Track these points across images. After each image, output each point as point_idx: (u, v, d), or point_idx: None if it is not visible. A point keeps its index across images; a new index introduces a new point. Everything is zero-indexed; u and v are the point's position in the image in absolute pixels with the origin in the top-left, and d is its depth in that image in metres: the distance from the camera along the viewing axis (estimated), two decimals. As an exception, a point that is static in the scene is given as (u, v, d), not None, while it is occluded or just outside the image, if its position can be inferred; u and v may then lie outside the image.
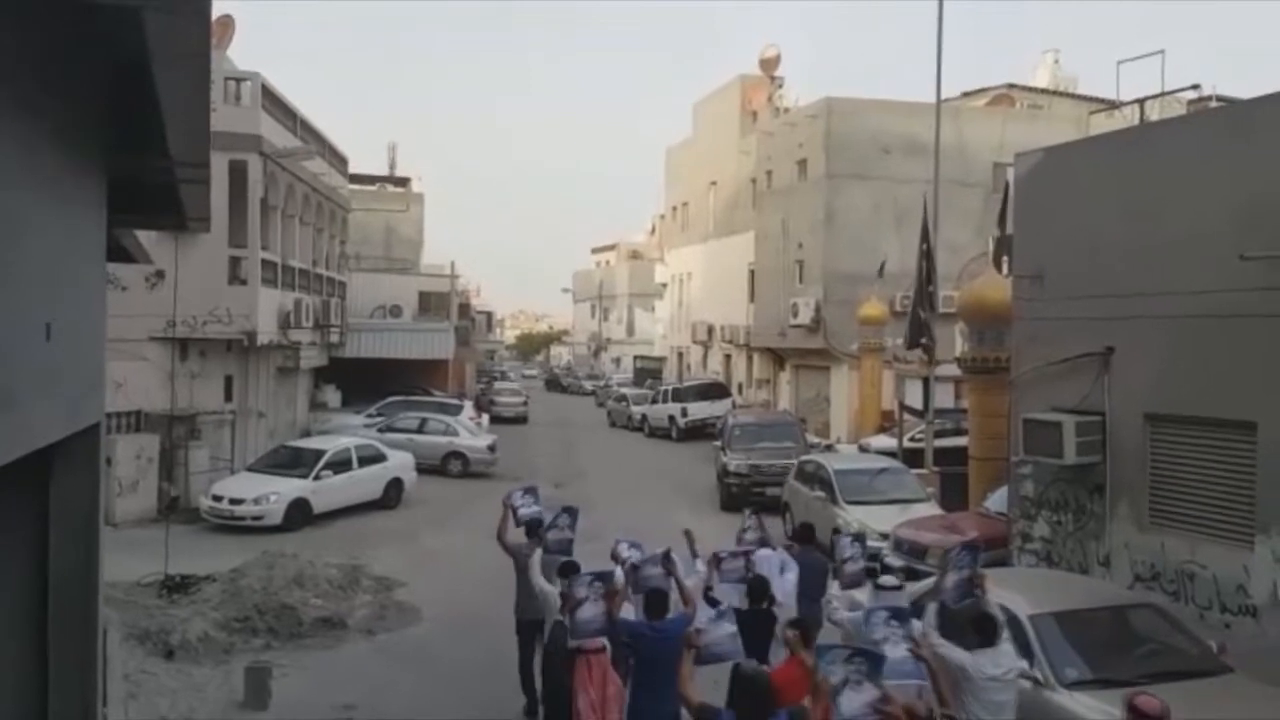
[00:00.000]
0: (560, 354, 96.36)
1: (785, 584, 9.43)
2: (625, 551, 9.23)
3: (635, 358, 60.38)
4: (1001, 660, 7.23)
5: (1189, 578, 10.53)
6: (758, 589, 8.87)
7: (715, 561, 9.16)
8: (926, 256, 20.69)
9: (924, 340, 20.61)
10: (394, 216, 47.14)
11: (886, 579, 8.78)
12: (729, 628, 7.91)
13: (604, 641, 8.05)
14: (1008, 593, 8.99)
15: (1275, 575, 9.67)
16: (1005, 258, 16.95)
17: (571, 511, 10.25)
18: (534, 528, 9.94)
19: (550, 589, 8.88)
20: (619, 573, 8.77)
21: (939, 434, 21.40)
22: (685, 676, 6.54)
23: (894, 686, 6.28)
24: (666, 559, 8.70)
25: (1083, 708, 7.53)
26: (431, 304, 39.99)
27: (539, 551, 9.43)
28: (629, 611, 8.25)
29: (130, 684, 9.99)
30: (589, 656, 7.89)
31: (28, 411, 4.12)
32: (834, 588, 9.50)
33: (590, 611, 7.97)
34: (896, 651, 6.88)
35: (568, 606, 8.17)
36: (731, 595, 8.86)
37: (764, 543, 10.29)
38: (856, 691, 5.97)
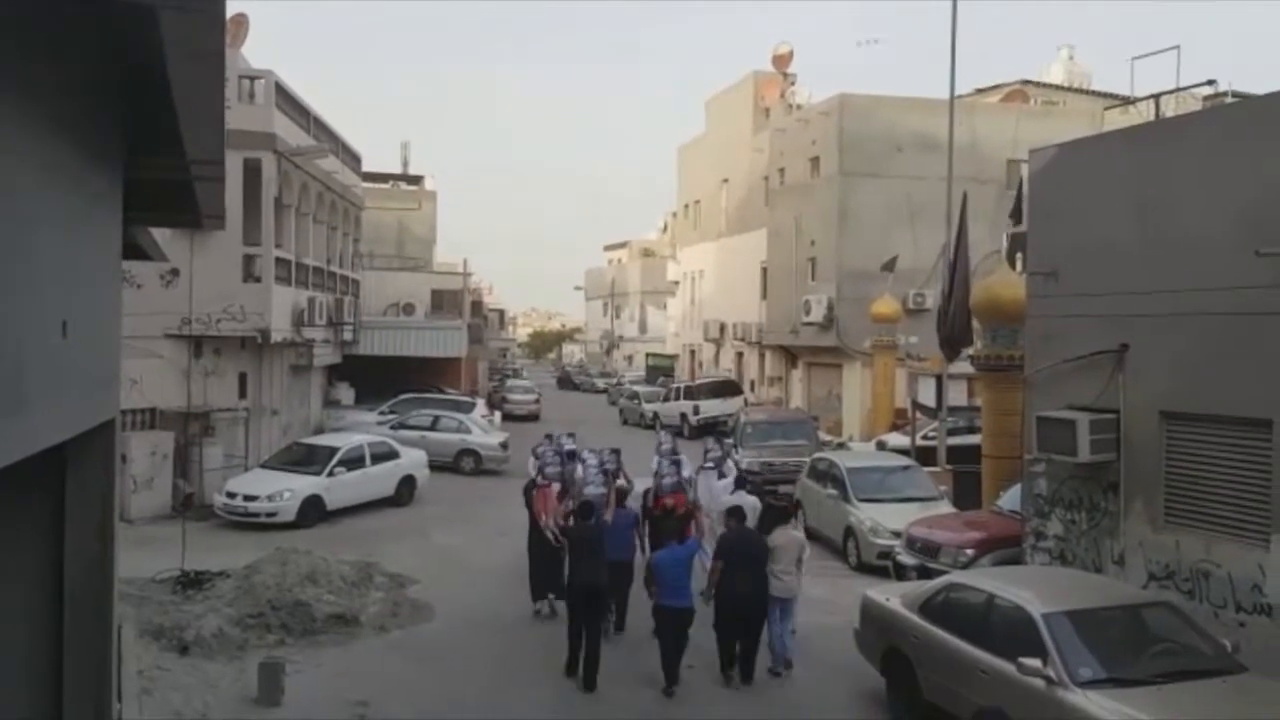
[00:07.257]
0: (573, 352, 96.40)
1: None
2: (584, 453, 14.12)
3: (647, 355, 60.34)
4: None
5: (1204, 576, 10.48)
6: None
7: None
8: (957, 255, 19.59)
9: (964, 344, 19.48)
10: (407, 214, 47.27)
11: (709, 461, 14.66)
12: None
13: (557, 485, 13.76)
14: (1022, 591, 8.99)
15: (1291, 574, 9.61)
16: (1019, 254, 16.89)
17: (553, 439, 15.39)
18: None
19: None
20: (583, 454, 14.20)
21: (952, 432, 21.34)
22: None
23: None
24: (614, 451, 14.00)
25: (1096, 707, 7.52)
26: (444, 302, 39.99)
27: (533, 459, 14.72)
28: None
29: (144, 680, 10.05)
30: (543, 490, 13.70)
31: (43, 408, 4.14)
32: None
33: (554, 469, 13.97)
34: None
35: (539, 469, 14.18)
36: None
37: (724, 460, 14.81)
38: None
